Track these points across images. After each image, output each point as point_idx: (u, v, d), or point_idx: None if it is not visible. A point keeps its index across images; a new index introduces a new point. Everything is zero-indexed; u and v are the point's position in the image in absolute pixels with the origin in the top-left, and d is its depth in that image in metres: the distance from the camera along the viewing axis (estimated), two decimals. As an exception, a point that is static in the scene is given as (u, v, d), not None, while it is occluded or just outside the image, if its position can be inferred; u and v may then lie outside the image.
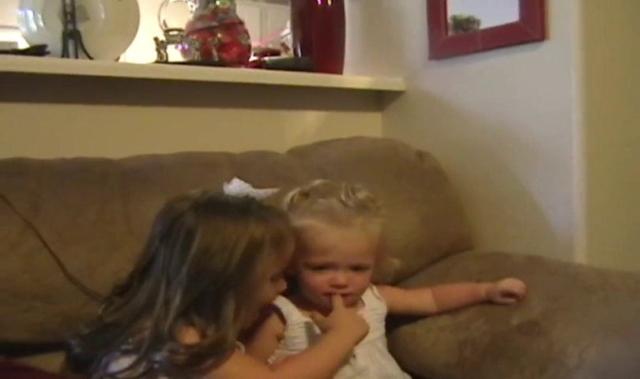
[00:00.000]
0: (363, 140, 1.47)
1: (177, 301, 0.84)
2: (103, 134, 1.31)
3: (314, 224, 1.00)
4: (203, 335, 0.83)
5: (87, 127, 1.30)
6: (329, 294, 1.00)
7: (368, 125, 1.66)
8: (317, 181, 1.07)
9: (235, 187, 0.95)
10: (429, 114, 1.57)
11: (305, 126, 1.58)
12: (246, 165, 1.24)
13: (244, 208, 0.91)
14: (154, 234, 0.91)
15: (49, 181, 1.05)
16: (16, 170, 1.05)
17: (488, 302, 1.10)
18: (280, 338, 1.01)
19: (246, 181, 1.00)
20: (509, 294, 1.08)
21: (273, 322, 1.01)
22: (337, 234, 1.00)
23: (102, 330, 0.87)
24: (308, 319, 1.00)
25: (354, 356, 0.98)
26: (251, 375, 0.86)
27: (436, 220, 1.33)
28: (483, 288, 1.11)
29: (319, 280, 1.00)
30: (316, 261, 1.00)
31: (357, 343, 0.95)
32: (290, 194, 1.06)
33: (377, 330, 1.08)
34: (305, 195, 1.06)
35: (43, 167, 1.08)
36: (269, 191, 0.96)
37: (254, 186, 0.98)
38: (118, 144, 1.29)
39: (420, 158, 1.43)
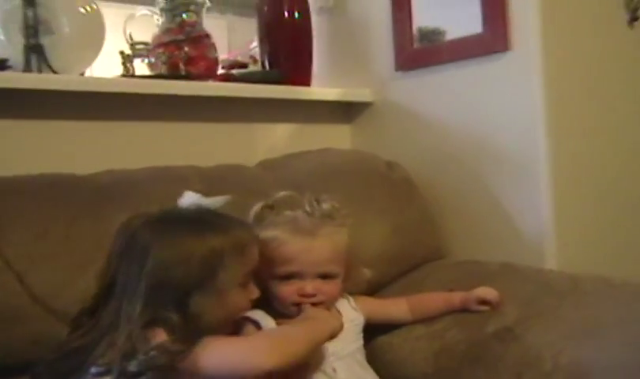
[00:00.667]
0: (333, 152, 1.48)
1: (139, 313, 0.83)
2: (68, 149, 1.29)
3: (277, 235, 1.01)
4: (173, 334, 0.83)
5: (52, 143, 1.27)
6: (299, 305, 1.00)
7: (337, 137, 1.66)
8: (281, 194, 1.08)
9: (187, 199, 0.95)
10: (397, 125, 1.58)
11: (274, 139, 1.58)
12: (215, 179, 1.23)
13: (198, 218, 0.92)
14: (112, 253, 0.90)
15: (13, 199, 1.02)
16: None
17: (463, 310, 1.11)
18: None
19: (217, 195, 0.99)
20: (483, 302, 1.09)
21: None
22: (301, 243, 1.01)
23: (68, 355, 0.85)
24: None
25: (334, 370, 0.98)
26: (229, 345, 0.86)
27: (407, 230, 1.34)
28: (457, 297, 1.12)
29: (287, 291, 1.01)
30: (281, 271, 1.01)
31: (332, 334, 0.94)
32: (255, 207, 1.07)
33: (355, 341, 1.08)
34: (270, 207, 1.07)
35: (6, 184, 1.05)
36: (221, 199, 0.96)
37: (230, 202, 0.98)
38: (84, 159, 1.26)
39: (390, 168, 1.44)
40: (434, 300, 1.15)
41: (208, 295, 0.86)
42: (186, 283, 0.86)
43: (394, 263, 1.30)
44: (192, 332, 0.83)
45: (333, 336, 0.95)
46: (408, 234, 1.34)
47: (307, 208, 1.04)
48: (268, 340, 0.89)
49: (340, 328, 0.97)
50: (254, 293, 0.95)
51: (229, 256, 0.88)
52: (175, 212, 0.94)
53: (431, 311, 1.14)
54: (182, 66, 1.45)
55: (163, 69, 1.45)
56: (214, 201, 0.95)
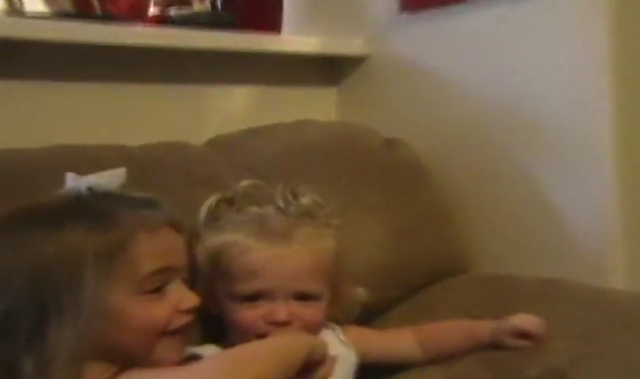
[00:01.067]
0: (312, 126, 1.47)
1: None
2: None
3: (237, 239, 1.02)
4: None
5: None
6: (265, 336, 0.99)
7: (318, 105, 1.67)
8: (244, 183, 1.10)
9: (70, 183, 0.95)
10: (401, 88, 1.58)
11: (230, 108, 1.58)
12: (148, 163, 1.22)
13: (63, 208, 0.90)
14: None
15: None
16: None
17: (494, 346, 1.10)
18: None
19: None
20: (522, 335, 1.09)
21: None
22: (270, 250, 1.01)
23: None
24: None
25: None
26: None
27: (414, 234, 1.35)
28: (485, 328, 1.12)
29: (250, 316, 1.00)
30: (243, 290, 1.00)
31: (312, 354, 0.91)
32: (208, 201, 1.08)
33: None
34: (228, 202, 1.08)
35: None
36: (112, 173, 0.95)
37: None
38: None
39: (390, 147, 1.45)
40: (454, 332, 1.16)
41: (75, 318, 0.83)
42: (38, 304, 0.83)
43: (396, 279, 1.30)
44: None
45: (316, 359, 0.92)
46: (414, 239, 1.35)
47: (280, 204, 1.05)
48: (220, 368, 0.86)
49: (320, 346, 0.94)
50: (187, 300, 0.92)
51: (93, 258, 0.85)
52: (38, 203, 0.92)
53: (448, 347, 1.14)
54: (96, 3, 1.41)
55: (68, 6, 1.41)
56: (101, 178, 0.94)
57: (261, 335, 0.99)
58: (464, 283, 1.32)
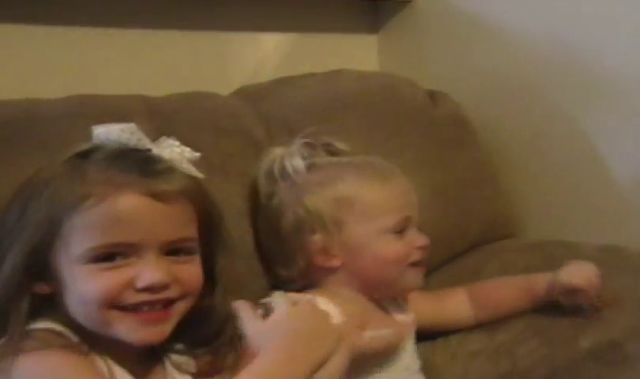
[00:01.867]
0: (348, 76, 1.46)
1: None
2: None
3: (363, 183, 1.08)
4: None
5: None
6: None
7: (356, 54, 1.66)
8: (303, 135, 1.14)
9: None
10: (448, 37, 1.56)
11: (260, 57, 1.57)
12: (171, 114, 1.22)
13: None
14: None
15: None
16: None
17: (551, 302, 1.09)
18: None
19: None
20: (575, 291, 1.07)
21: None
22: (404, 185, 1.10)
23: None
24: None
25: None
26: None
27: (457, 193, 1.36)
28: (542, 281, 1.10)
29: (398, 246, 1.07)
30: (389, 222, 1.06)
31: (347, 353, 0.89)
32: (298, 141, 1.13)
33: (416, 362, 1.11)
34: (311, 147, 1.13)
35: None
36: (118, 128, 0.95)
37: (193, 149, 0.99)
38: None
39: (434, 101, 1.45)
40: (508, 289, 1.15)
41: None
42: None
43: (437, 241, 1.24)
44: None
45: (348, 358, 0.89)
46: (457, 199, 1.36)
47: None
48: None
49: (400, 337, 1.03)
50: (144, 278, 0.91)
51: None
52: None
53: (503, 305, 1.14)
54: None
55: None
56: (111, 133, 0.95)
57: (412, 264, 1.07)
58: (512, 247, 1.32)
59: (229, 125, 1.23)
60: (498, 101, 1.49)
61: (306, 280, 1.11)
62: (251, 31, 1.55)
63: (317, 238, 1.07)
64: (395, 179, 1.11)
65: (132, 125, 0.95)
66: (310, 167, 1.11)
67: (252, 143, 1.25)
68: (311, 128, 1.15)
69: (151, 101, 1.23)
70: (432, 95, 1.44)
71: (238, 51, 1.54)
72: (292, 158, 1.11)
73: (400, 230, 1.08)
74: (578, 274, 1.06)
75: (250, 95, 1.36)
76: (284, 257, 1.11)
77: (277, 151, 1.13)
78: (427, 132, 1.37)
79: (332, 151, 1.14)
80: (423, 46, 1.60)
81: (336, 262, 1.08)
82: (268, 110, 1.30)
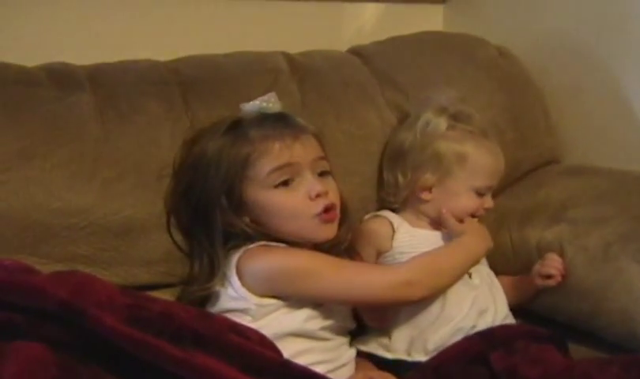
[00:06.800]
0: (434, 36, 1.66)
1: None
2: (133, 32, 1.51)
3: (476, 146, 1.33)
4: None
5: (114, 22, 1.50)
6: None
7: (425, 22, 1.76)
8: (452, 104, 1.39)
9: (250, 108, 1.25)
10: (512, 5, 1.67)
11: (361, 22, 1.74)
12: (308, 69, 1.44)
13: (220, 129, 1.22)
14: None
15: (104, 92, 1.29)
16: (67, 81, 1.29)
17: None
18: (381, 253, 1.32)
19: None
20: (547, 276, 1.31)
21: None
22: (497, 157, 1.34)
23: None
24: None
25: (469, 274, 1.28)
26: (373, 276, 1.20)
27: (520, 130, 1.53)
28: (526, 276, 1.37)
29: (476, 202, 1.32)
30: (483, 184, 1.32)
31: (484, 255, 1.30)
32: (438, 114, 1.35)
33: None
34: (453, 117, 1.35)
35: (93, 74, 1.32)
36: (260, 99, 1.24)
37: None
38: (156, 42, 1.49)
39: (501, 55, 1.61)
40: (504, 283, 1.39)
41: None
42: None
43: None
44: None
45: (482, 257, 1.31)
46: (520, 136, 1.53)
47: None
48: (422, 274, 1.18)
49: (490, 250, 1.31)
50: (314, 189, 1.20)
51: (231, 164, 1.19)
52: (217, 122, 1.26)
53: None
54: None
55: None
56: (254, 106, 1.23)
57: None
58: (565, 171, 1.49)
59: (353, 78, 1.44)
60: (547, 58, 1.59)
61: (400, 205, 1.35)
62: (355, 2, 1.72)
63: (428, 177, 1.30)
64: (497, 157, 1.33)
65: (272, 94, 1.24)
66: (447, 128, 1.32)
67: (364, 93, 1.44)
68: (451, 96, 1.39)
69: (291, 58, 1.45)
70: (500, 50, 1.59)
71: (345, 18, 1.72)
72: (439, 118, 1.33)
73: (481, 194, 1.31)
74: (550, 263, 1.29)
75: (362, 53, 1.54)
76: (395, 187, 1.34)
77: (428, 113, 1.34)
78: (498, 79, 1.52)
79: (461, 118, 1.33)
80: (487, 15, 1.69)
81: (429, 197, 1.31)
82: (376, 66, 1.50)
